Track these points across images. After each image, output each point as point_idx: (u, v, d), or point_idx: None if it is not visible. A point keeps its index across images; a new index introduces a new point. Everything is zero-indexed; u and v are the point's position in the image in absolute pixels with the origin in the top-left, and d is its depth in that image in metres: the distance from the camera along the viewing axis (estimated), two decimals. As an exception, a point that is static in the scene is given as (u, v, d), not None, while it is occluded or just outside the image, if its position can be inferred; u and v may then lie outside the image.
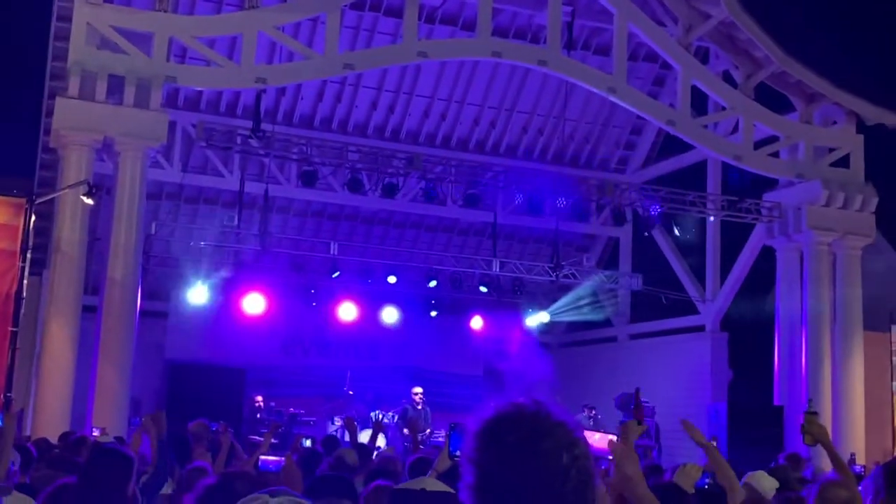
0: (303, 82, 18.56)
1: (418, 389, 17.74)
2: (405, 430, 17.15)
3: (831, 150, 18.76)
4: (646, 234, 18.64)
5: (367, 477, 7.33)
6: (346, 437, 11.06)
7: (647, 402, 19.42)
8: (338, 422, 17.05)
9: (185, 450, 9.14)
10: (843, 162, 18.65)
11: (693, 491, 4.94)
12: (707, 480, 5.39)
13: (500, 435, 1.71)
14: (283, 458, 5.97)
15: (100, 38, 14.96)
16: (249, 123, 16.55)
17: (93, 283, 16.58)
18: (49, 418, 13.48)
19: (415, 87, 20.65)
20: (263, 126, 16.41)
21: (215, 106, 20.03)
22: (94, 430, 11.62)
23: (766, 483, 6.27)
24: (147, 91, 14.85)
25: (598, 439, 3.03)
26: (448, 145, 21.45)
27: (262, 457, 6.87)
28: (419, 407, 17.59)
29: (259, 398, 18.35)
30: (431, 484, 2.73)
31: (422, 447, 15.66)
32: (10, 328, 13.77)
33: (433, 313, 21.40)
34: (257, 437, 13.68)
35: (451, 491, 2.78)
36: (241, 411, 18.12)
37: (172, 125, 17.45)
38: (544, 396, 1.78)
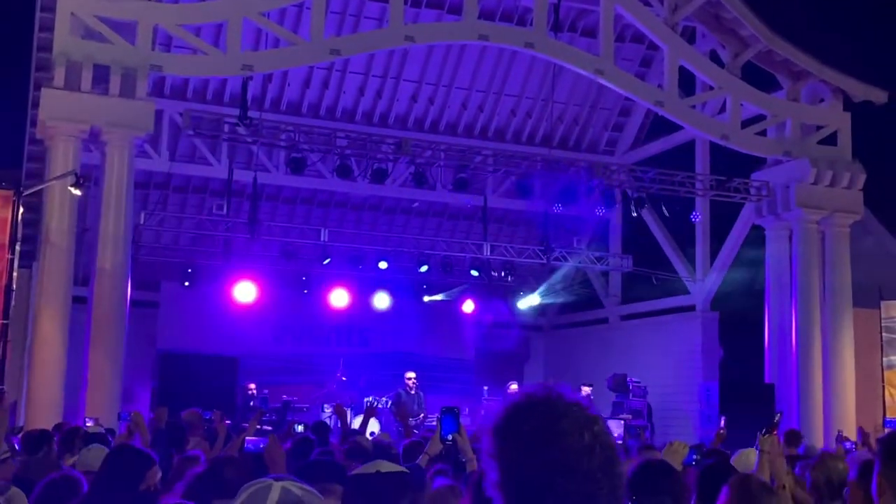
0: (290, 69, 18.50)
1: (411, 374, 17.77)
2: (394, 411, 17.20)
3: (819, 127, 18.80)
4: (634, 214, 18.64)
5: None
6: (339, 424, 11.09)
7: (638, 383, 19.54)
8: (328, 409, 17.06)
9: (180, 438, 9.17)
10: (831, 140, 18.70)
11: (681, 468, 4.98)
12: (694, 457, 5.44)
13: (517, 426, 1.70)
14: (266, 438, 5.97)
15: (84, 28, 14.88)
16: (237, 111, 16.48)
17: (83, 274, 16.54)
18: (42, 409, 13.47)
19: (402, 71, 20.61)
20: (251, 113, 16.36)
21: (202, 94, 19.96)
22: (86, 420, 11.62)
23: (754, 459, 6.29)
24: (133, 80, 14.78)
25: None
26: (436, 130, 21.42)
27: (248, 438, 6.89)
28: (412, 392, 17.62)
29: (252, 386, 18.37)
30: (386, 466, 2.74)
31: (416, 432, 15.72)
32: (0, 321, 13.76)
33: (428, 298, 21.43)
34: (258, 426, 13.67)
35: (405, 470, 2.80)
36: (235, 400, 18.15)
37: (159, 114, 17.38)
38: (538, 379, 1.78)
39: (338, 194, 21.66)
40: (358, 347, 21.44)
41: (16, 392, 15.71)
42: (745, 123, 18.52)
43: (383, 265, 20.16)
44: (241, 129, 16.38)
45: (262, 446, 5.39)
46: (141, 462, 4.30)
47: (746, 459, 6.24)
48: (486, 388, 20.64)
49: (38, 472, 6.59)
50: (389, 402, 17.67)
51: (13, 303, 14.12)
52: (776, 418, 5.72)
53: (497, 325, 23.54)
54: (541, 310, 24.33)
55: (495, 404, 1.78)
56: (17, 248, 14.11)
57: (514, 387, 17.86)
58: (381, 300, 21.28)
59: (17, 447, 7.90)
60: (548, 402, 1.72)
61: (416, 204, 21.84)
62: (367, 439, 7.92)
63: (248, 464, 4.52)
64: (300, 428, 10.95)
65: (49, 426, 10.21)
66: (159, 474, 4.38)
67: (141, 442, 6.82)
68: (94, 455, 5.67)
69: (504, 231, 23.31)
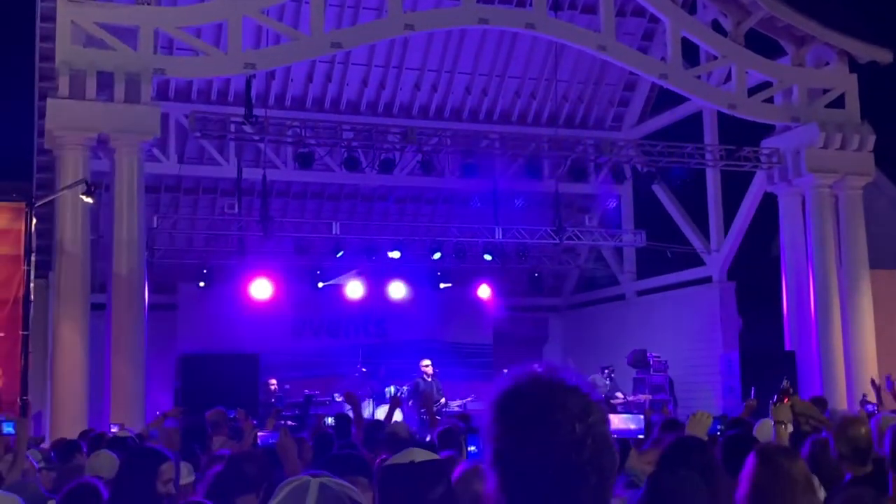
0: (292, 64, 18.49)
1: (427, 362, 17.78)
2: (409, 403, 17.20)
3: (825, 91, 18.68)
4: (649, 188, 18.59)
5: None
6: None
7: (658, 358, 19.52)
8: (339, 397, 17.08)
9: (205, 438, 9.23)
10: (839, 102, 18.57)
11: (706, 438, 4.98)
12: (718, 427, 5.45)
13: (513, 408, 1.70)
14: (277, 433, 6.01)
15: (85, 36, 14.91)
16: (242, 110, 16.49)
17: (99, 281, 16.63)
18: (67, 418, 13.56)
19: (404, 60, 20.56)
20: (256, 111, 16.37)
21: (206, 95, 19.97)
22: (112, 426, 11.70)
23: (779, 428, 6.28)
24: (137, 85, 14.81)
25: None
26: (441, 116, 21.38)
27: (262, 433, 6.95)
28: (429, 379, 17.63)
29: (273, 382, 18.44)
30: (420, 454, 2.72)
31: (439, 418, 15.73)
32: (21, 332, 13.85)
33: (443, 285, 21.46)
34: (276, 422, 13.73)
35: (439, 458, 2.78)
36: (257, 396, 18.21)
37: (165, 117, 17.42)
38: (557, 360, 1.77)
39: (347, 187, 21.67)
40: (376, 338, 21.50)
41: (40, 402, 15.83)
42: (752, 91, 18.42)
43: (396, 255, 20.19)
44: (248, 128, 16.41)
45: (271, 441, 5.43)
46: (152, 460, 4.35)
47: (769, 429, 6.25)
48: (505, 371, 20.62)
49: (68, 478, 6.68)
50: (403, 391, 17.66)
51: (32, 314, 14.20)
52: (784, 384, 5.71)
53: (514, 309, 23.54)
54: (556, 290, 24.32)
55: (499, 380, 1.77)
56: (33, 259, 14.18)
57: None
58: (397, 290, 21.30)
59: (53, 458, 7.97)
60: (545, 387, 1.71)
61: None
62: (404, 426, 7.92)
63: (266, 458, 4.55)
64: (330, 420, 11.00)
65: (74, 434, 10.29)
66: (173, 471, 4.42)
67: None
68: (102, 461, 5.72)
69: (515, 213, 23.26)
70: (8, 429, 7.62)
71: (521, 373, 1.76)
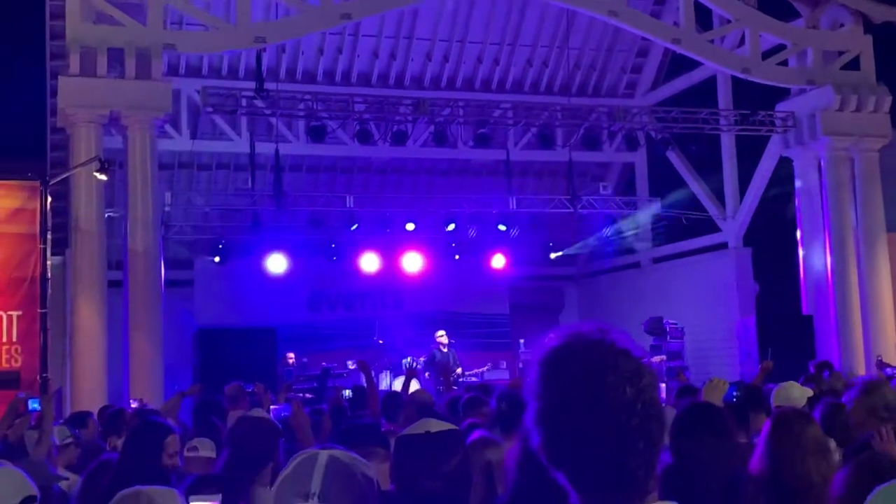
0: (302, 37, 18.42)
1: (442, 332, 17.80)
2: (426, 375, 17.27)
3: (840, 53, 18.48)
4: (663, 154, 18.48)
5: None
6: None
7: (675, 324, 19.49)
8: (352, 365, 17.14)
9: (223, 413, 9.27)
10: (854, 64, 18.38)
11: (722, 404, 4.98)
12: (734, 393, 5.44)
13: (562, 367, 1.65)
14: (289, 405, 6.04)
15: (95, 13, 14.90)
16: (253, 85, 16.48)
17: (116, 259, 16.71)
18: (86, 394, 13.68)
19: (414, 30, 20.45)
20: (267, 85, 16.34)
21: (217, 70, 19.94)
22: (131, 401, 11.79)
23: (795, 392, 6.29)
24: (148, 61, 14.81)
25: None
26: (453, 87, 21.28)
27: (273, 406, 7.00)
28: (445, 350, 17.67)
29: (291, 356, 18.52)
30: (435, 425, 2.72)
31: (455, 388, 15.78)
32: (39, 310, 13.95)
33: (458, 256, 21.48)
34: (294, 394, 13.82)
35: (455, 428, 2.78)
36: (275, 370, 18.30)
37: (177, 94, 17.42)
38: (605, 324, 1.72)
39: (360, 160, 21.64)
40: (392, 310, 21.54)
41: (59, 379, 15.95)
42: (766, 55, 18.24)
43: (410, 226, 20.18)
44: (259, 102, 16.38)
45: (283, 415, 5.45)
46: (157, 433, 4.39)
47: (787, 393, 6.24)
48: (522, 340, 20.70)
49: (83, 453, 6.75)
50: (419, 362, 17.72)
51: (49, 291, 14.29)
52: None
53: (529, 278, 23.53)
54: (571, 258, 24.29)
55: (548, 338, 1.73)
56: (49, 237, 14.25)
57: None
58: (412, 261, 21.32)
59: (77, 435, 8.05)
60: (598, 347, 1.66)
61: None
62: (426, 392, 7.94)
63: (273, 429, 4.56)
64: (347, 393, 11.05)
65: (94, 410, 10.36)
66: (178, 444, 4.46)
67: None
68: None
69: (529, 183, 23.21)
70: (34, 405, 7.71)
71: (571, 332, 1.70)
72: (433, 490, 2.55)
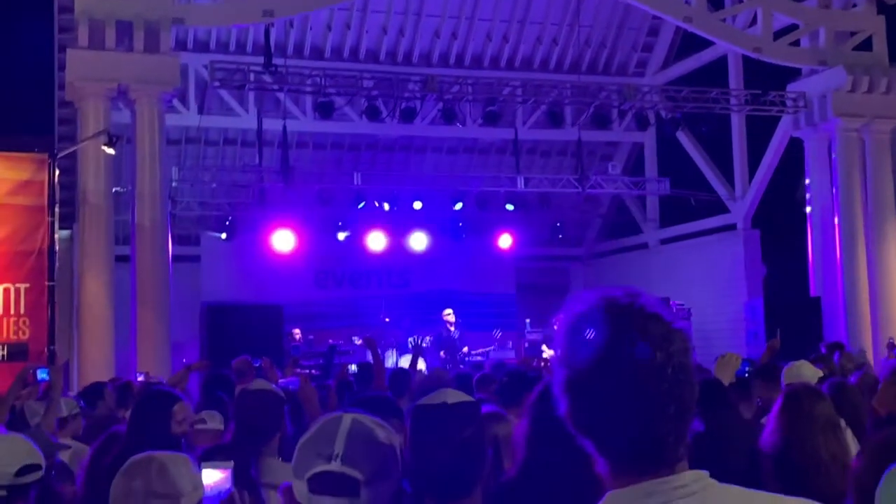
0: (311, 13, 18.32)
1: (449, 311, 17.80)
2: (441, 353, 17.31)
3: (853, 33, 18.34)
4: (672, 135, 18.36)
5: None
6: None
7: (682, 305, 19.45)
8: (357, 341, 17.16)
9: (230, 387, 9.27)
10: (866, 45, 18.25)
11: (733, 379, 4.95)
12: (747, 368, 5.42)
13: (590, 330, 1.60)
14: (297, 378, 6.04)
15: (104, -15, 14.83)
16: (261, 60, 16.40)
17: (123, 233, 16.71)
18: (94, 367, 13.69)
19: (423, 6, 20.32)
20: (275, 61, 16.26)
21: (225, 45, 19.86)
22: (138, 375, 11.81)
23: (807, 371, 6.27)
24: (156, 35, 14.77)
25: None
26: (462, 64, 21.18)
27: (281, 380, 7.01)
28: (452, 328, 17.66)
29: (297, 332, 18.55)
30: (453, 395, 2.70)
31: (462, 366, 15.80)
32: (46, 283, 13.96)
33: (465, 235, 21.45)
34: (300, 370, 13.85)
35: (472, 400, 2.76)
36: (281, 346, 18.34)
37: (185, 68, 17.36)
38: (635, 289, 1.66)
39: (367, 137, 21.58)
40: (399, 288, 21.53)
41: (66, 352, 15.99)
42: (778, 34, 18.12)
43: (418, 205, 20.14)
44: (267, 78, 16.31)
45: (290, 388, 5.46)
46: (165, 401, 4.39)
47: (798, 371, 6.22)
48: (528, 320, 20.69)
49: (97, 425, 6.74)
50: (429, 339, 17.73)
51: (57, 265, 14.30)
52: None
53: (536, 258, 23.48)
54: (578, 239, 24.26)
55: (575, 302, 1.68)
56: (56, 210, 14.24)
57: None
58: (419, 240, 21.28)
59: (82, 406, 8.05)
60: (627, 311, 1.61)
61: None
62: (444, 371, 7.98)
63: (276, 400, 4.56)
64: (353, 368, 11.06)
65: (103, 383, 10.36)
66: (186, 411, 4.46)
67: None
68: None
69: (537, 162, 23.13)
70: (42, 375, 7.71)
71: (598, 296, 1.65)
72: (447, 459, 2.53)
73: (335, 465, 1.86)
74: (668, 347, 1.58)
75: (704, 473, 1.60)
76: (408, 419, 4.77)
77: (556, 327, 1.70)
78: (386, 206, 19.75)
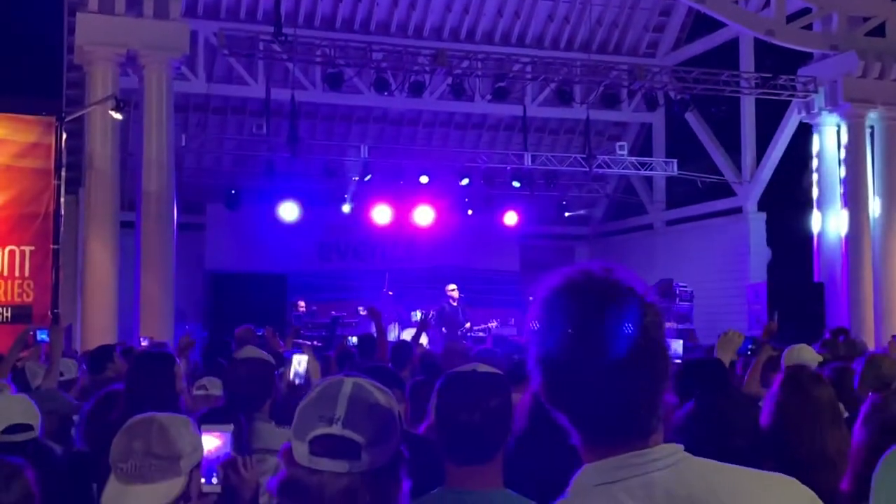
0: (322, -17, 18.25)
1: (453, 286, 17.79)
2: (443, 329, 17.32)
3: (866, 19, 18.20)
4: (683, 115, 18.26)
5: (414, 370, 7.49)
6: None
7: (685, 287, 19.46)
8: (362, 311, 17.19)
9: (231, 354, 9.30)
10: (879, 30, 18.12)
11: (736, 357, 4.97)
12: (749, 346, 5.44)
13: (564, 305, 1.61)
14: (298, 349, 6.08)
15: (114, -51, 14.78)
16: (270, 29, 16.34)
17: (129, 199, 16.73)
18: (96, 332, 13.75)
19: (435, -20, 20.24)
20: (285, 30, 16.18)
21: (235, 13, 19.79)
22: (142, 340, 11.86)
23: (807, 355, 6.28)
24: (166, 0, 14.73)
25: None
26: (473, 39, 21.09)
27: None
28: (455, 304, 17.68)
29: (301, 303, 18.58)
30: (483, 367, 2.79)
31: (464, 342, 15.81)
32: (51, 246, 13.98)
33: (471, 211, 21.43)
34: (303, 341, 13.87)
35: (501, 373, 2.84)
36: (285, 317, 18.38)
37: (194, 35, 17.29)
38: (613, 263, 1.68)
39: (376, 110, 21.53)
40: (403, 262, 21.55)
41: (70, 316, 16.05)
42: (791, 18, 17.99)
43: (424, 180, 20.11)
44: (276, 47, 16.25)
45: (293, 354, 5.49)
46: (168, 361, 4.42)
47: (798, 354, 6.22)
48: (531, 298, 20.67)
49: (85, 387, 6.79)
50: (432, 314, 17.75)
51: (62, 229, 14.32)
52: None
53: (541, 236, 23.47)
54: (585, 218, 24.23)
55: (550, 276, 1.68)
56: (63, 174, 14.25)
57: None
58: (424, 215, 21.28)
59: (83, 368, 8.08)
60: (602, 284, 1.62)
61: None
62: (461, 344, 8.02)
63: (267, 368, 4.60)
64: (354, 340, 11.09)
65: (105, 348, 10.40)
66: (181, 371, 4.51)
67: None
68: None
69: (545, 140, 23.08)
70: (42, 336, 7.73)
71: (573, 270, 1.66)
72: (472, 424, 2.61)
73: (336, 429, 1.87)
74: (641, 320, 1.58)
75: (679, 447, 1.60)
76: (408, 391, 4.81)
77: (531, 300, 1.70)
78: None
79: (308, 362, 5.20)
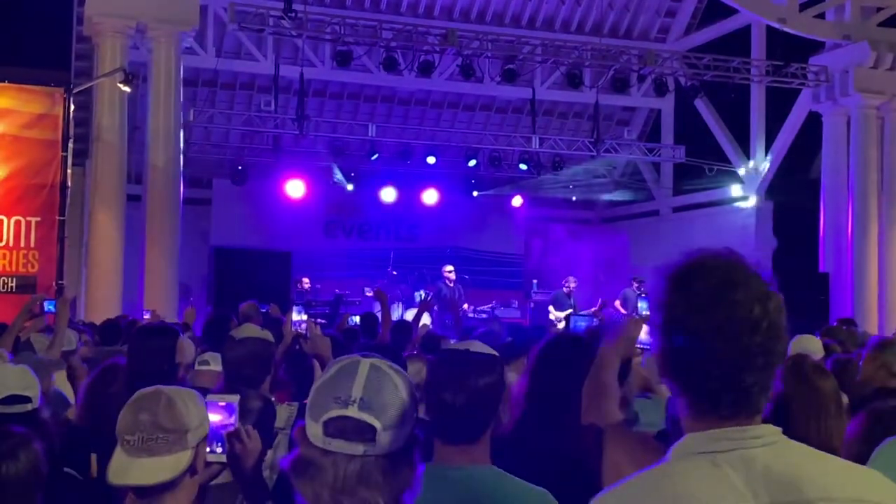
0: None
1: (450, 267, 17.75)
2: (435, 308, 17.29)
3: (879, 9, 18.08)
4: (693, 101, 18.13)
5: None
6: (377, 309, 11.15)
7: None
8: (369, 292, 17.20)
9: (227, 329, 9.30)
10: (892, 21, 18.00)
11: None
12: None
13: (691, 281, 1.70)
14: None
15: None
16: (281, 5, 16.26)
17: (136, 173, 16.72)
18: (101, 304, 13.79)
19: (447, -40, 20.12)
20: (295, 6, 16.11)
21: (246, -12, 19.68)
22: (144, 312, 11.87)
23: (812, 345, 6.28)
24: (176, -26, 14.71)
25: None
26: (483, 20, 20.99)
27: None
28: (451, 284, 17.65)
29: (305, 281, 18.59)
30: (478, 346, 2.76)
31: (463, 324, 15.78)
32: (57, 217, 13.99)
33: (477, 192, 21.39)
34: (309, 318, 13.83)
35: (496, 354, 2.81)
36: (289, 294, 18.39)
37: (204, 10, 17.24)
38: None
39: (384, 89, 21.46)
40: (407, 242, 21.55)
41: (75, 288, 16.08)
42: (803, 6, 17.88)
43: (431, 160, 20.07)
44: (286, 23, 16.17)
45: (301, 327, 5.45)
46: (171, 335, 4.42)
47: (802, 344, 6.22)
48: (535, 281, 20.70)
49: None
50: (430, 296, 17.75)
51: (68, 200, 14.32)
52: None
53: (546, 220, 23.44)
54: (590, 203, 24.17)
55: (678, 256, 1.78)
56: (70, 145, 14.24)
57: (571, 281, 17.74)
58: (430, 195, 21.25)
59: (88, 336, 8.10)
60: (729, 266, 1.72)
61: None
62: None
63: (264, 347, 4.59)
64: (356, 319, 11.10)
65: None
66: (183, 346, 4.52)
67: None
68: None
69: (553, 123, 23.00)
70: (49, 307, 7.73)
71: (701, 251, 1.76)
72: (461, 403, 2.59)
73: (352, 411, 1.84)
74: (766, 303, 1.69)
75: (778, 429, 1.69)
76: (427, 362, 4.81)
77: (654, 273, 1.78)
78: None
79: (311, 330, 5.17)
